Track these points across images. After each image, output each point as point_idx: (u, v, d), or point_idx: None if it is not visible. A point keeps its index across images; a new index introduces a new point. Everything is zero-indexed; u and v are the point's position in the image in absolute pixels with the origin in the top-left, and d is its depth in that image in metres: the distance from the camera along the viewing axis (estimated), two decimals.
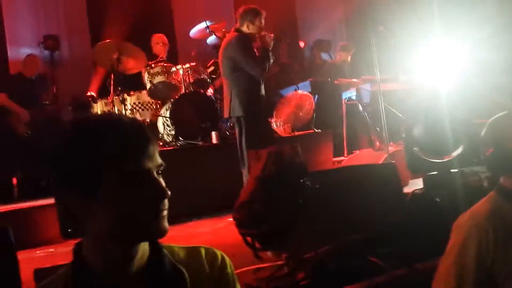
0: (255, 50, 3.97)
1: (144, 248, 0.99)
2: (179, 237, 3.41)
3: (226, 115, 4.14)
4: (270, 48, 3.93)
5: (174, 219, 3.91)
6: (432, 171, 2.93)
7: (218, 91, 5.73)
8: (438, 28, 4.81)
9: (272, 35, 3.99)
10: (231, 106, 4.00)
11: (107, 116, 1.08)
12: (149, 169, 0.93)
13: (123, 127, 0.94)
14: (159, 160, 0.96)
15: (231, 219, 3.67)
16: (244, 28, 4.00)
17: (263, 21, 3.95)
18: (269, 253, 2.54)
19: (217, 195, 4.35)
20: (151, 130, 0.97)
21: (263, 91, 4.07)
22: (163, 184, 0.95)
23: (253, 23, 3.94)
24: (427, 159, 2.90)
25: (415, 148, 2.94)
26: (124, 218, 0.92)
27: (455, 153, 2.86)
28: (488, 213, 1.56)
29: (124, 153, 0.91)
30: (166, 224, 0.95)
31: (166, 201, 0.95)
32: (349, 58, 6.10)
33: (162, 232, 0.95)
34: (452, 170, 2.88)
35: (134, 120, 0.98)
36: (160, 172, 0.96)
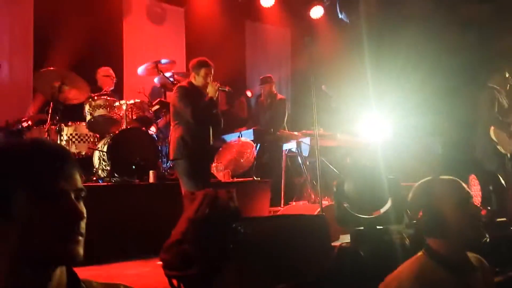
0: (199, 99, 4.16)
1: (60, 277, 0.95)
2: (102, 276, 3.24)
3: (170, 157, 4.33)
4: (215, 97, 4.16)
5: (99, 258, 3.79)
6: (360, 226, 3.04)
7: (162, 130, 5.70)
8: (372, 93, 5.16)
9: (218, 84, 4.18)
10: (172, 149, 4.19)
11: (27, 138, 1.08)
12: (66, 190, 0.92)
13: (40, 147, 0.94)
14: (78, 184, 0.95)
15: (159, 262, 3.59)
16: (192, 79, 4.26)
17: (208, 71, 4.19)
18: None
19: (148, 237, 4.22)
20: (83, 161, 0.98)
21: (208, 137, 4.26)
22: (80, 207, 0.94)
23: (198, 74, 4.21)
24: (355, 214, 3.01)
25: (344, 203, 3.05)
26: (34, 239, 0.89)
27: (381, 211, 3.00)
28: (416, 275, 1.59)
29: (38, 171, 0.90)
30: (80, 249, 0.93)
31: (81, 225, 0.93)
32: (273, 88, 6.49)
33: (74, 257, 0.92)
34: (378, 227, 3.00)
35: (56, 143, 1.00)
36: (80, 197, 0.96)
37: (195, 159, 4.11)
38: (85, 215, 0.94)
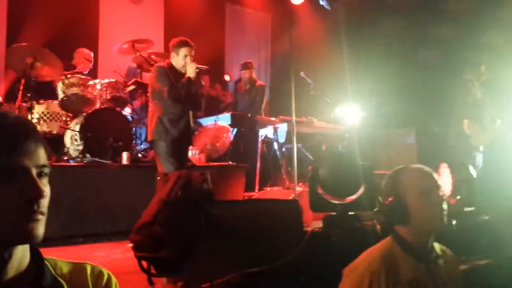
0: (178, 79, 4.09)
1: (22, 255, 0.92)
2: (71, 258, 3.18)
3: (148, 138, 4.28)
4: (192, 77, 4.10)
5: (68, 239, 3.72)
6: (333, 212, 3.06)
7: (137, 111, 5.61)
8: (349, 81, 5.18)
9: (196, 64, 4.12)
10: (150, 130, 4.14)
11: None
12: (26, 166, 0.88)
13: (1, 119, 0.89)
14: (41, 161, 0.91)
15: (130, 245, 3.55)
16: (171, 58, 4.19)
17: (188, 51, 4.12)
18: (164, 280, 2.47)
19: (120, 219, 4.18)
20: (55, 140, 0.94)
21: (186, 119, 4.21)
22: (41, 184, 0.90)
23: (177, 53, 4.14)
24: (327, 199, 3.03)
25: (318, 189, 3.07)
26: None
27: (353, 197, 3.03)
28: (382, 256, 1.65)
29: None
30: (40, 228, 0.89)
31: (42, 203, 0.90)
32: (253, 74, 6.46)
33: (34, 236, 0.88)
34: (350, 213, 3.04)
35: (18, 116, 0.93)
36: (43, 174, 0.92)
37: (173, 141, 4.06)
38: (45, 193, 0.90)
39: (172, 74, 4.09)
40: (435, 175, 1.74)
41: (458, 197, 3.27)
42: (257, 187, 5.52)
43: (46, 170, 0.92)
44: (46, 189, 0.91)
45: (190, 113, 4.26)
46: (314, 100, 5.62)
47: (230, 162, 5.50)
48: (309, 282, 2.61)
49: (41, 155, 0.91)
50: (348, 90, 5.10)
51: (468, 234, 2.99)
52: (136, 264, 2.53)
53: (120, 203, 4.28)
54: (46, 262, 0.97)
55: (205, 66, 4.27)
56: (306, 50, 6.88)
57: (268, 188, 5.47)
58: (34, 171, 0.89)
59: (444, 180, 3.30)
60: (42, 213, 0.89)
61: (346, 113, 5.19)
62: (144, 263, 2.35)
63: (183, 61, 4.11)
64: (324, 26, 7.77)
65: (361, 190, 3.01)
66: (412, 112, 5.28)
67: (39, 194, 0.89)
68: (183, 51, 4.10)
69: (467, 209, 3.30)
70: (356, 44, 6.56)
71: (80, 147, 4.61)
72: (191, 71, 4.08)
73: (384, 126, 5.18)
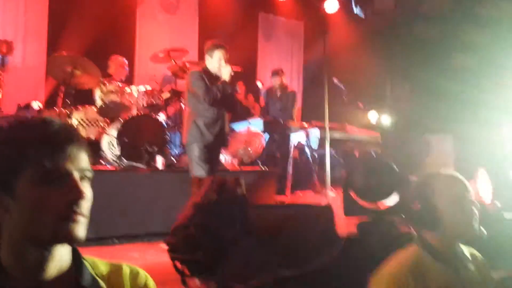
0: (213, 82, 4.09)
1: (63, 255, 0.96)
2: (106, 257, 3.26)
3: (183, 141, 4.30)
4: (227, 79, 4.08)
5: (103, 240, 3.82)
6: (366, 217, 3.02)
7: (171, 118, 5.71)
8: (383, 88, 5.13)
9: (230, 67, 4.11)
10: (185, 133, 4.17)
11: (36, 117, 1.08)
12: (69, 170, 0.92)
13: (47, 125, 0.94)
14: (83, 164, 0.95)
15: (164, 246, 3.60)
16: (206, 61, 4.18)
17: (222, 54, 4.10)
18: (197, 281, 2.49)
19: (153, 221, 4.26)
20: (92, 145, 0.97)
21: (222, 121, 4.19)
22: (83, 187, 0.93)
23: (211, 56, 4.12)
24: (362, 204, 3.00)
25: (352, 193, 3.04)
26: (36, 218, 0.89)
27: (388, 202, 2.98)
28: (410, 264, 1.60)
29: (42, 150, 0.90)
30: (80, 229, 0.92)
31: (83, 205, 0.93)
32: (284, 81, 6.45)
33: (73, 237, 0.91)
34: (385, 218, 2.99)
35: (62, 122, 0.97)
36: (85, 177, 0.95)
37: (207, 144, 4.06)
38: (87, 195, 0.93)
39: (207, 78, 4.08)
40: (467, 182, 1.71)
41: (497, 203, 3.17)
42: (288, 192, 5.52)
43: (88, 174, 0.96)
44: (88, 192, 0.94)
45: (226, 116, 4.25)
46: (347, 106, 5.59)
47: (262, 167, 5.52)
48: None
49: (84, 159, 0.95)
50: (382, 96, 5.05)
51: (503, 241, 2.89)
52: (170, 265, 2.57)
53: (153, 205, 4.36)
54: (85, 262, 1.00)
55: (239, 68, 4.25)
56: (339, 57, 6.85)
57: (300, 193, 5.46)
58: (76, 174, 0.93)
59: (482, 185, 3.21)
60: (83, 215, 0.92)
61: (379, 119, 5.13)
62: (178, 264, 2.38)
63: (217, 64, 4.09)
64: (358, 34, 7.73)
65: (395, 196, 2.96)
66: (448, 117, 5.17)
67: (80, 195, 0.92)
68: (217, 53, 4.09)
69: (507, 214, 3.20)
70: (390, 50, 6.49)
71: (117, 152, 4.73)
72: (226, 73, 4.06)
73: (420, 131, 5.09)
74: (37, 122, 0.95)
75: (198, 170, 3.99)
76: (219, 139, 4.19)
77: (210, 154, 4.10)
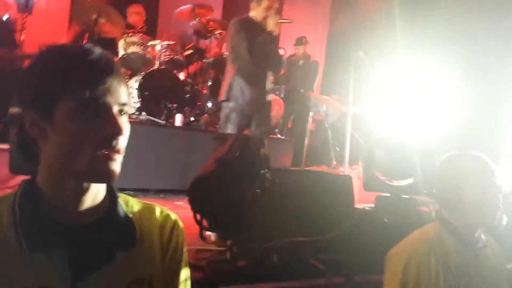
0: (258, 34, 3.68)
1: (99, 189, 0.95)
2: None
3: (220, 97, 3.95)
4: (275, 32, 3.71)
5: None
6: (385, 193, 3.01)
7: (191, 76, 5.66)
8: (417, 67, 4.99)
9: (279, 17, 3.74)
10: (223, 89, 3.85)
11: (76, 44, 1.04)
12: (108, 103, 0.89)
13: (88, 54, 0.89)
14: (123, 99, 0.91)
15: (179, 203, 3.61)
16: (252, 11, 3.78)
17: (271, 2, 3.69)
18: (213, 236, 2.51)
19: (169, 178, 4.28)
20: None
21: (262, 81, 3.81)
22: (120, 122, 0.90)
23: (259, 3, 3.71)
24: (382, 180, 2.98)
25: (372, 168, 3.01)
26: (72, 149, 0.87)
27: (409, 180, 2.96)
28: (431, 239, 1.62)
29: (82, 79, 0.87)
30: (115, 167, 0.90)
31: (120, 140, 0.90)
32: (307, 50, 6.38)
33: (109, 175, 0.89)
34: (404, 196, 2.97)
35: (103, 52, 0.92)
36: (124, 112, 0.92)
37: (245, 104, 3.72)
38: (125, 131, 0.90)
39: (252, 28, 3.67)
40: (494, 165, 1.67)
41: None
42: (304, 164, 5.50)
43: (127, 108, 0.93)
44: (126, 128, 0.91)
45: (269, 75, 3.86)
46: (371, 82, 5.47)
47: (279, 135, 5.49)
48: (353, 260, 2.59)
49: (123, 93, 0.91)
50: (406, 74, 4.93)
51: None
52: (186, 220, 2.58)
53: (170, 162, 4.36)
54: (119, 198, 0.99)
55: (290, 20, 3.84)
56: (366, 29, 6.68)
57: (315, 167, 5.44)
58: (115, 108, 0.90)
59: (504, 172, 3.16)
60: (118, 152, 0.90)
61: (403, 98, 5.04)
62: (198, 216, 2.39)
63: (265, 13, 3.67)
64: (384, 7, 7.49)
65: (417, 174, 2.94)
66: (471, 101, 5.06)
67: (119, 130, 0.89)
68: (266, 1, 3.66)
69: None
70: (412, 28, 6.28)
71: (137, 105, 4.71)
72: (273, 25, 3.64)
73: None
74: (77, 50, 0.91)
75: (228, 127, 3.74)
76: (259, 100, 3.81)
77: (243, 114, 3.79)
